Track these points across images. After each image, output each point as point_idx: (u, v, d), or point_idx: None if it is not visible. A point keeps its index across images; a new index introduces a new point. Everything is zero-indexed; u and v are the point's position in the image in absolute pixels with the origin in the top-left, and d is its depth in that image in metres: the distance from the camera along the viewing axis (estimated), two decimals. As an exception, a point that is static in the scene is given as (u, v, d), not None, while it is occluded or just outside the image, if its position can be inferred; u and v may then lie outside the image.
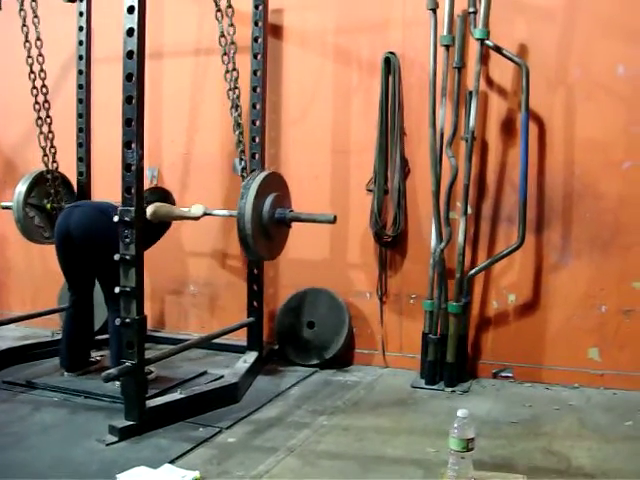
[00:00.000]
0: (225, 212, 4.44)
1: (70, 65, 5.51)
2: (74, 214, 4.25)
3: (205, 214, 4.45)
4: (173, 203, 4.61)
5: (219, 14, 4.22)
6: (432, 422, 3.73)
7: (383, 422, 3.75)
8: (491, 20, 4.28)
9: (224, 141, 5.14)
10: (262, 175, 4.02)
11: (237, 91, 4.29)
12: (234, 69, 4.27)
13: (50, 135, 4.95)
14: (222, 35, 4.23)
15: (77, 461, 3.13)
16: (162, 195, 4.54)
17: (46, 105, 4.92)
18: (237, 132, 4.24)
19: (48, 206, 5.04)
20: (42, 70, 4.86)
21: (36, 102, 4.88)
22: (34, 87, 4.87)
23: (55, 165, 5.01)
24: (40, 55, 4.84)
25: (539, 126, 4.42)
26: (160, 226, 4.46)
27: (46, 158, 4.94)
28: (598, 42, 4.28)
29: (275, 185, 4.18)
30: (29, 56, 4.81)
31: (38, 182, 5.00)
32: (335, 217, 4.10)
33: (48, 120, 4.94)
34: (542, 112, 4.41)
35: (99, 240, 4.10)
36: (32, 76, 4.84)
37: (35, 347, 4.90)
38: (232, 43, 4.25)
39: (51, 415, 3.76)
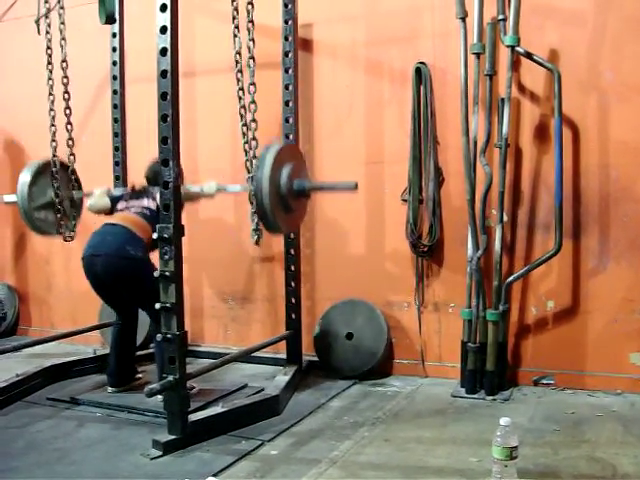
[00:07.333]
0: (239, 187, 4.38)
1: (105, 86, 5.61)
2: (97, 264, 4.28)
3: (219, 190, 4.46)
4: (182, 181, 4.54)
5: (236, 30, 4.29)
6: (474, 431, 3.71)
7: (424, 432, 3.74)
8: (521, 26, 4.28)
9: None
10: (276, 147, 3.84)
11: (253, 106, 4.32)
12: (252, 84, 4.31)
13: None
14: (237, 52, 4.30)
15: (122, 475, 3.17)
16: None
17: (69, 126, 4.96)
18: (249, 150, 4.31)
19: (53, 196, 4.97)
20: (66, 92, 4.93)
21: (51, 124, 4.93)
22: (51, 109, 4.92)
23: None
24: (65, 77, 4.90)
25: (573, 131, 4.39)
26: None
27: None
28: (629, 44, 4.25)
29: (290, 156, 4.01)
30: (50, 78, 4.90)
31: (39, 176, 4.98)
32: (356, 184, 4.01)
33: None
34: (575, 117, 4.38)
35: (130, 282, 4.30)
36: (51, 98, 4.90)
37: (78, 364, 4.98)
38: (251, 58, 4.31)
39: (95, 430, 3.81)
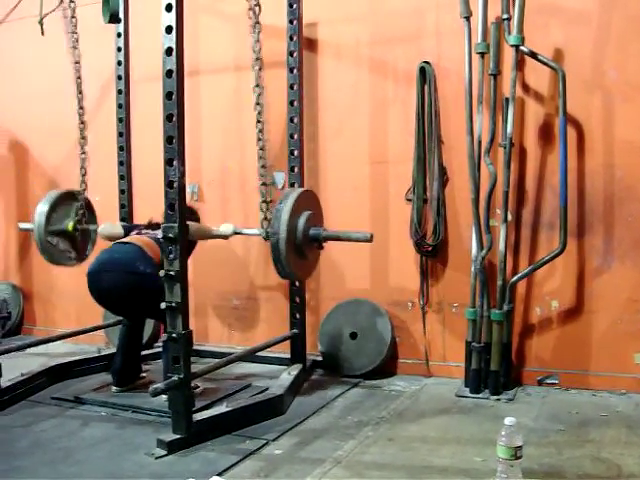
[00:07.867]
0: (256, 231, 4.45)
1: (109, 85, 5.61)
2: (104, 280, 4.23)
3: (235, 233, 4.52)
4: (198, 220, 4.66)
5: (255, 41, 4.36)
6: (478, 431, 3.71)
7: (429, 432, 3.73)
8: (525, 26, 4.27)
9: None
10: (296, 193, 4.03)
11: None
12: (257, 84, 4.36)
13: (83, 156, 5.07)
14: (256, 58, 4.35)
15: (127, 475, 3.18)
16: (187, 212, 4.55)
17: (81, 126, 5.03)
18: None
19: (70, 227, 5.11)
20: (80, 92, 5.01)
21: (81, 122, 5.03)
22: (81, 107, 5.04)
23: (84, 186, 5.14)
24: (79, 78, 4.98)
25: (577, 130, 4.39)
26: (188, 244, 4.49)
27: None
28: (634, 43, 4.24)
29: (308, 203, 4.18)
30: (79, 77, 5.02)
31: (57, 205, 5.11)
32: (372, 235, 4.13)
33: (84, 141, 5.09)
34: (580, 116, 4.38)
35: (135, 300, 4.25)
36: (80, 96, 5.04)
37: (82, 363, 4.98)
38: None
39: (99, 430, 3.81)
